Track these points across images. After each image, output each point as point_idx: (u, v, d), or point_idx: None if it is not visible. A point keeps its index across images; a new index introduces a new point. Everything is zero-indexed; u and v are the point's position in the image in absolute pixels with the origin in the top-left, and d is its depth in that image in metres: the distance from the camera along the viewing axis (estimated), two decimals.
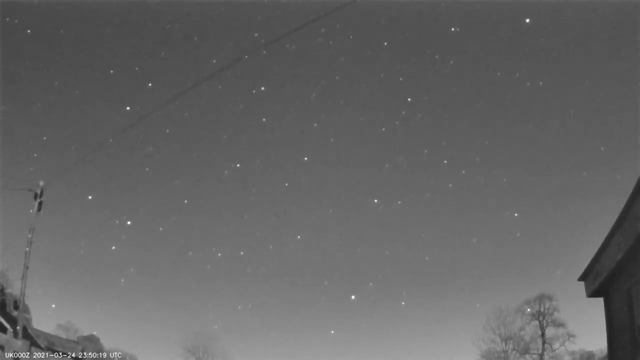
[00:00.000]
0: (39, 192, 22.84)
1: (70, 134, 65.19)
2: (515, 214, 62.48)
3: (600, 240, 11.74)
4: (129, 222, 60.91)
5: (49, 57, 61.88)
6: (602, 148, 64.09)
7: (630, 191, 9.68)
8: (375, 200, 65.47)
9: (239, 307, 66.58)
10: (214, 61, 55.56)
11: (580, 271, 13.48)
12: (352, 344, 67.73)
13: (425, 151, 65.59)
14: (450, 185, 62.93)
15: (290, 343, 68.43)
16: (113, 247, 62.58)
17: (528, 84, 59.30)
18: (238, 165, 64.32)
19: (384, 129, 63.93)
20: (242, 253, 66.76)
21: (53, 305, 55.72)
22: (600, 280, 12.24)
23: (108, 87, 64.95)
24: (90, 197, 61.86)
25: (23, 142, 60.37)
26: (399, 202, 66.11)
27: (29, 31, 53.13)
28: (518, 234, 65.14)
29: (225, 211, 70.51)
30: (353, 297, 63.76)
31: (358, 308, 65.14)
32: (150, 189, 67.17)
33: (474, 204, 67.26)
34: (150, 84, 60.59)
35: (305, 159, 65.75)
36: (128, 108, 55.95)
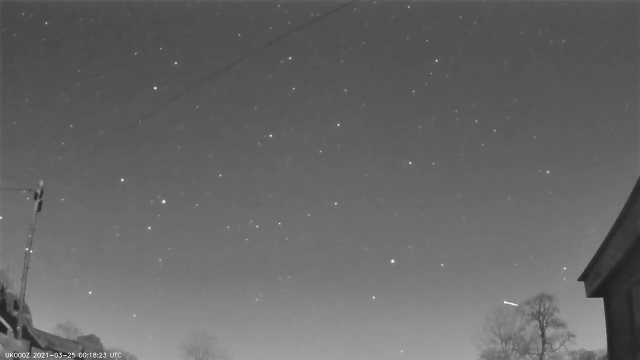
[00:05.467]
0: (39, 192, 22.83)
1: (98, 119, 64.35)
2: (548, 171, 62.73)
3: (600, 240, 11.73)
4: (163, 201, 60.69)
5: (69, 45, 61.23)
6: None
7: (630, 191, 9.67)
8: (410, 163, 65.29)
9: (280, 278, 66.13)
10: (239, 35, 55.67)
11: (580, 271, 13.46)
12: (395, 311, 67.71)
13: (456, 111, 65.56)
14: (483, 145, 63.26)
15: (332, 313, 67.96)
16: (149, 228, 62.80)
17: (551, 41, 59.18)
18: (270, 135, 63.75)
19: (413, 91, 63.93)
20: (279, 223, 66.67)
21: (91, 294, 55.54)
22: (600, 280, 12.22)
23: (133, 69, 64.52)
24: (122, 180, 61.66)
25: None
26: (433, 163, 66.27)
27: (46, 23, 52.78)
28: (550, 192, 65.29)
29: (260, 182, 70.09)
30: (392, 261, 64.26)
31: (398, 272, 65.78)
32: (183, 166, 66.99)
33: (506, 162, 67.73)
34: (176, 62, 60.08)
35: (338, 125, 65.42)
36: (155, 88, 55.46)
